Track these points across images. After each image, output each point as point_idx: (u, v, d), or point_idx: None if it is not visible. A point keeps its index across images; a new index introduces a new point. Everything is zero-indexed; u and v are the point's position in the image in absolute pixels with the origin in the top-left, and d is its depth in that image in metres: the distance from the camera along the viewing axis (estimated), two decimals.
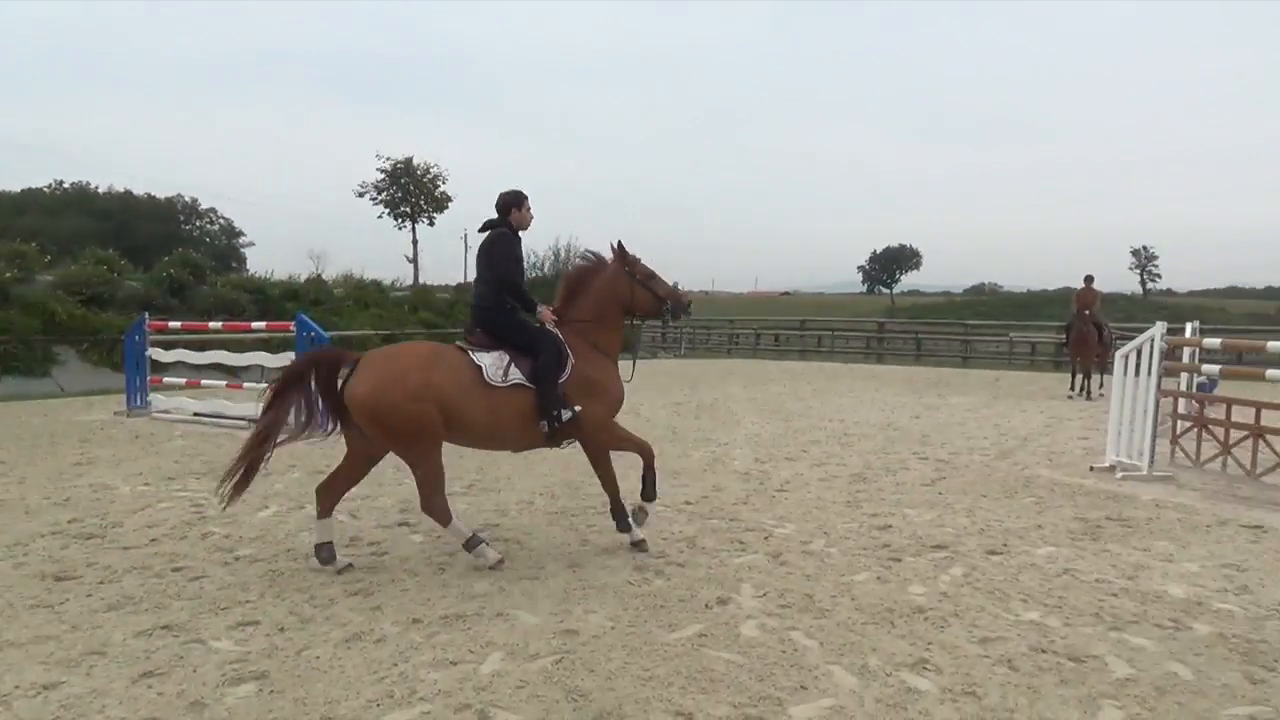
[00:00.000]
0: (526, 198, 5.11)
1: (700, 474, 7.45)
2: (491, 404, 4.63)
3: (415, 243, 40.57)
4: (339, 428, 4.63)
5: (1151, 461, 7.47)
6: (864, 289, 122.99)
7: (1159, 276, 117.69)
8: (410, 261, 40.28)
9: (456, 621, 3.90)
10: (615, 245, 5.23)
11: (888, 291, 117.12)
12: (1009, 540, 5.37)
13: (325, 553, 4.62)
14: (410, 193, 40.51)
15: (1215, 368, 7.69)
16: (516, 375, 4.70)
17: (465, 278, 48.26)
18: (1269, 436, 6.82)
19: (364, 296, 23.62)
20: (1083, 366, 15.69)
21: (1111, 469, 7.69)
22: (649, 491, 5.10)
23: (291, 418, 4.52)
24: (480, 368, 4.65)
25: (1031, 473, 7.71)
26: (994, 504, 6.40)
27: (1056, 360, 22.77)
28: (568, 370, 4.83)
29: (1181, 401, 7.92)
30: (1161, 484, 7.25)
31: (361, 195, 39.97)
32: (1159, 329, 7.50)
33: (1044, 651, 3.60)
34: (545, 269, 37.69)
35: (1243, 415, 7.15)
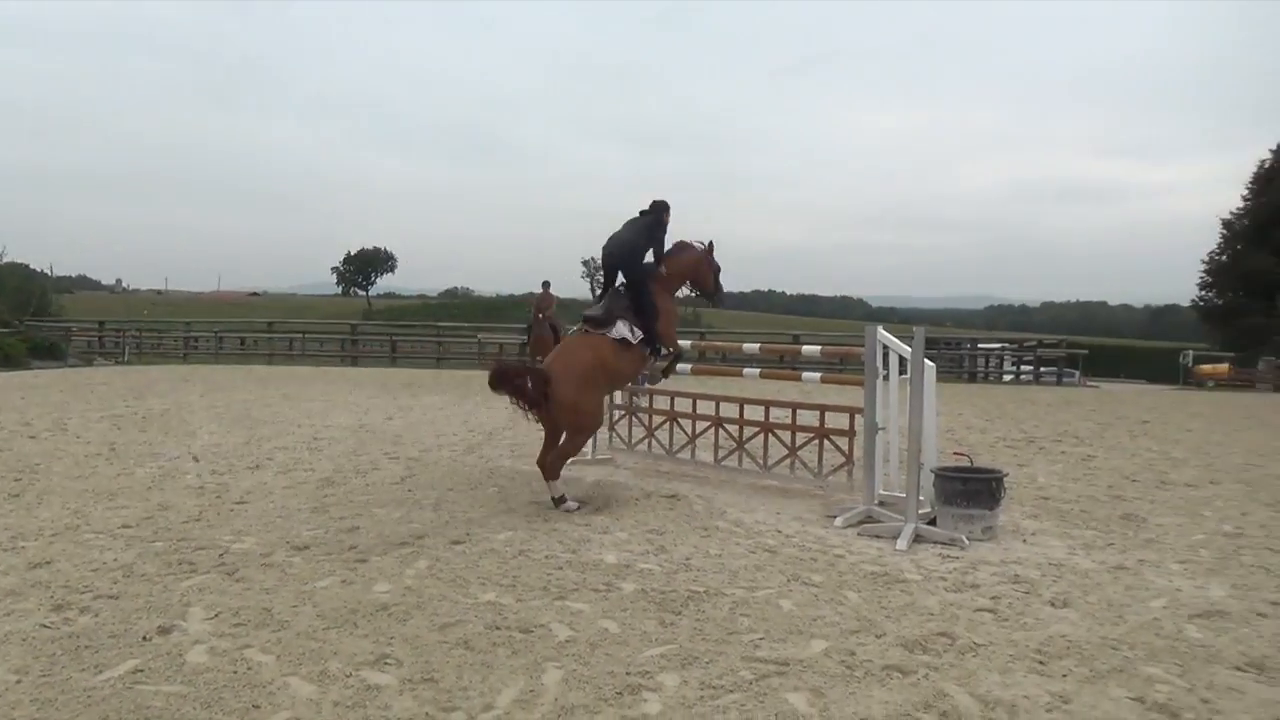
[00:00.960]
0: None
1: (144, 493, 6.63)
2: (633, 358, 6.78)
3: None
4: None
5: (594, 447, 8.42)
6: (339, 291, 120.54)
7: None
8: None
9: None
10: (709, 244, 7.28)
11: (363, 294, 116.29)
12: (472, 529, 5.64)
13: (568, 503, 6.31)
14: None
15: None
16: (638, 334, 6.68)
17: None
18: (680, 420, 8.09)
19: None
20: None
21: None
22: None
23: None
24: (623, 338, 6.61)
25: (496, 464, 8.20)
26: (460, 496, 6.68)
27: (520, 360, 24.59)
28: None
29: (617, 393, 9.04)
30: (603, 466, 8.22)
31: None
32: None
33: (498, 628, 3.83)
34: None
35: (662, 403, 8.40)
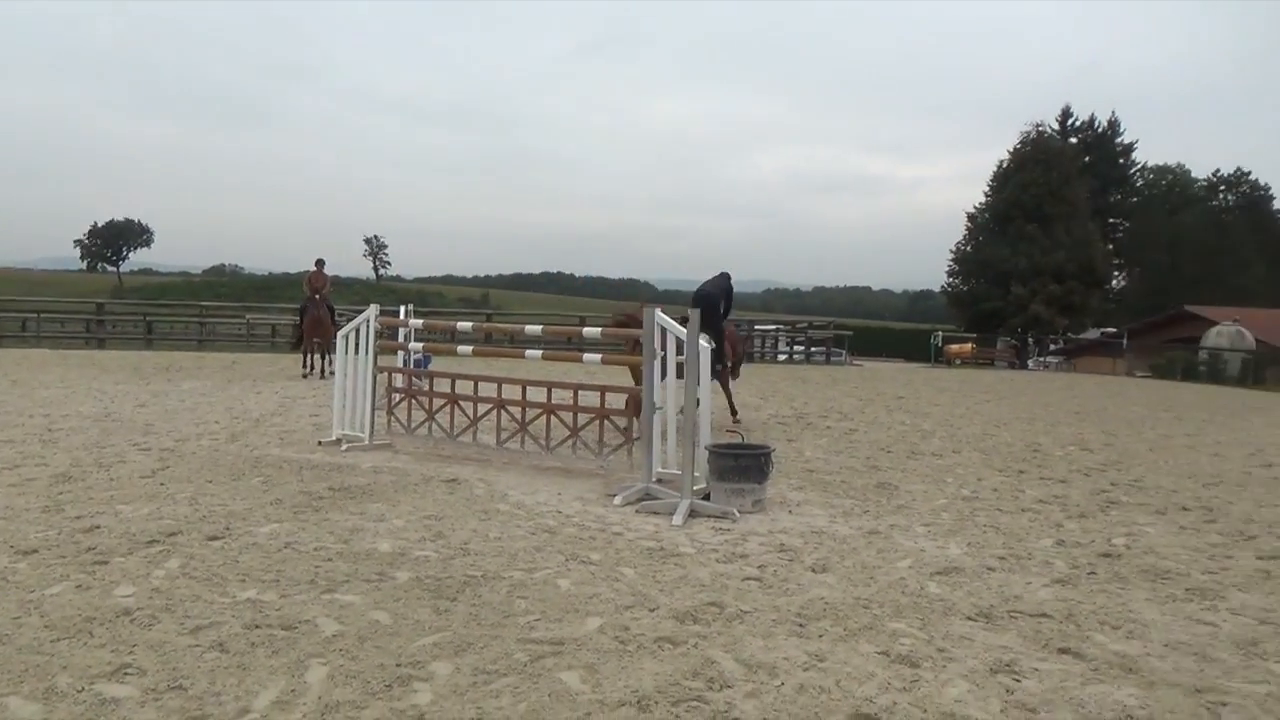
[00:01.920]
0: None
1: None
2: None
3: None
4: None
5: (372, 432, 8.11)
6: (83, 266, 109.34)
7: (389, 263, 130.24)
8: None
9: None
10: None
11: (114, 270, 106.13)
12: (232, 523, 5.26)
13: None
14: None
15: (420, 345, 8.68)
16: (710, 345, 7.27)
17: None
18: (461, 403, 7.93)
19: None
20: (317, 347, 16.33)
21: (338, 442, 8.13)
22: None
23: None
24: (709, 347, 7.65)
25: (262, 453, 7.71)
26: (220, 488, 6.21)
27: (295, 341, 23.27)
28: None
29: (397, 376, 8.75)
30: (381, 451, 7.93)
31: None
32: (372, 311, 8.16)
33: (258, 627, 3.59)
34: None
35: (443, 386, 8.20)
